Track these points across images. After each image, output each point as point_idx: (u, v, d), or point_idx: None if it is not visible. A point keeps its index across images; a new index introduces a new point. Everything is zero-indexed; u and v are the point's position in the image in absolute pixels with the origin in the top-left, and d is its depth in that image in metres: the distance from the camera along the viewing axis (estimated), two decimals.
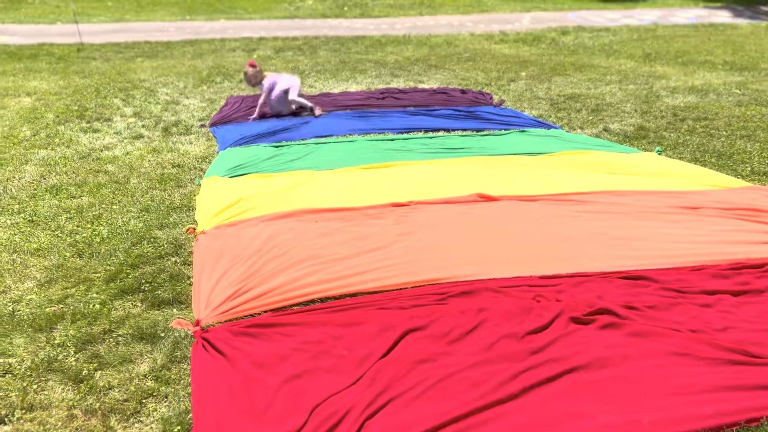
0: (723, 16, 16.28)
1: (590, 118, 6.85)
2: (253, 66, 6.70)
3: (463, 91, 8.10)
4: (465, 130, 6.42)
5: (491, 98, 7.83)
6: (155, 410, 2.43)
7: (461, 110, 7.14)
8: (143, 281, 3.37)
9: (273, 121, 6.71)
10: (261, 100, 6.77)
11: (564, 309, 2.96)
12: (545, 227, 3.96)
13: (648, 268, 3.44)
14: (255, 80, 6.73)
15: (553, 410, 2.35)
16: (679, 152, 5.70)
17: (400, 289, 3.28)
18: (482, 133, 6.32)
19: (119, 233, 3.97)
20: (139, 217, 4.23)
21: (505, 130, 6.39)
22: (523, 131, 6.34)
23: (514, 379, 2.49)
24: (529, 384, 2.49)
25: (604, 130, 6.50)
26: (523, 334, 2.79)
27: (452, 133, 6.34)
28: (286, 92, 6.77)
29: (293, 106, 6.93)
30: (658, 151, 5.66)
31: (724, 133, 6.29)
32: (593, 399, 2.42)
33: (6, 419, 2.39)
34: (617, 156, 5.50)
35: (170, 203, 4.47)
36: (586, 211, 4.20)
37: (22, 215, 4.25)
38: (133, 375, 2.63)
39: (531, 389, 2.47)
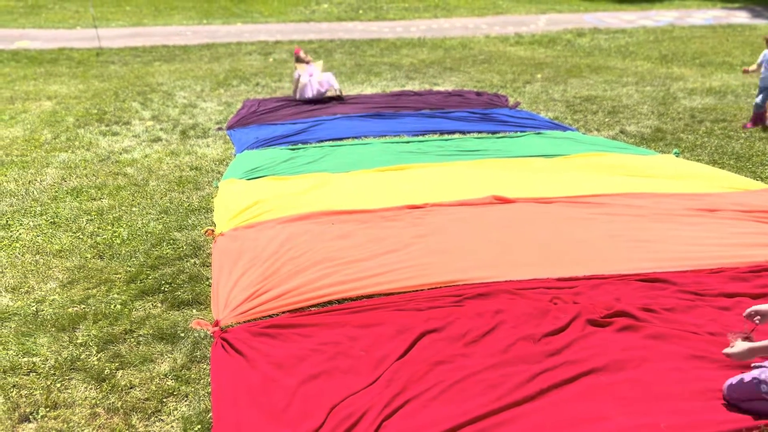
0: (741, 17, 16.11)
1: (606, 120, 6.82)
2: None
3: (478, 94, 8.10)
4: (480, 132, 6.43)
5: (507, 100, 7.82)
6: (176, 409, 2.47)
7: (476, 112, 7.14)
8: (163, 282, 3.42)
9: (289, 124, 6.76)
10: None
11: (581, 311, 2.96)
12: (562, 229, 3.96)
13: (666, 270, 3.43)
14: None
15: (569, 412, 2.35)
16: (696, 154, 5.65)
17: (417, 290, 3.29)
18: (498, 135, 6.32)
19: (139, 235, 4.03)
20: (158, 219, 4.29)
21: (521, 132, 6.39)
22: (538, 133, 6.33)
23: (531, 381, 2.50)
24: (546, 386, 2.49)
25: (621, 132, 6.47)
26: (540, 337, 2.79)
27: (467, 135, 6.34)
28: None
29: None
30: (675, 153, 5.62)
31: (743, 135, 6.23)
32: (610, 401, 2.42)
33: (31, 417, 2.44)
34: (634, 158, 5.48)
35: (189, 205, 4.53)
36: (603, 213, 4.19)
37: (44, 217, 4.33)
38: (154, 374, 2.67)
39: (548, 391, 2.47)
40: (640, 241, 3.77)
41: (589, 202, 4.36)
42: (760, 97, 6.38)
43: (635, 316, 2.93)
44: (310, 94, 7.56)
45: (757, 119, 6.44)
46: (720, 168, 5.23)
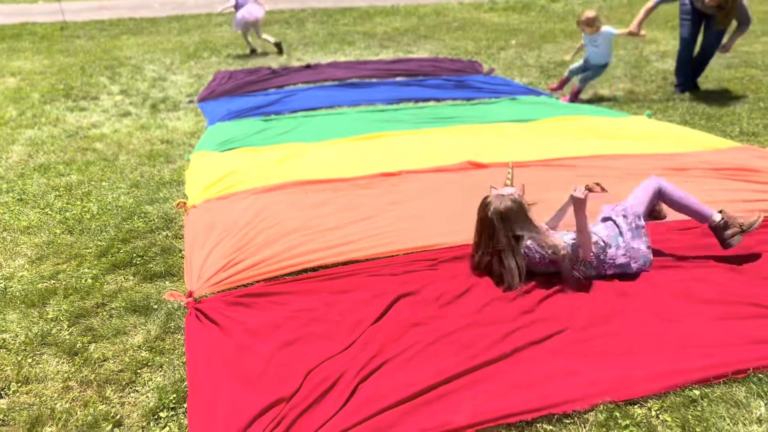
0: None
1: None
2: None
3: (453, 61, 8.05)
4: (455, 99, 6.40)
5: (481, 67, 7.78)
6: (150, 380, 2.45)
7: (451, 80, 7.11)
8: (135, 255, 3.38)
9: (261, 95, 6.66)
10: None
11: None
12: (536, 192, 3.96)
13: None
14: None
15: (542, 368, 2.38)
16: (668, 115, 5.69)
17: (392, 256, 3.29)
18: (473, 101, 6.29)
19: (109, 209, 3.96)
20: (129, 193, 4.22)
21: (496, 98, 6.37)
22: (513, 99, 6.32)
23: (504, 339, 2.52)
24: (521, 344, 2.51)
25: (594, 95, 6.48)
26: (513, 296, 2.82)
27: (442, 102, 6.31)
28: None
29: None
30: (648, 114, 5.66)
31: (714, 95, 6.28)
32: (582, 357, 2.45)
33: (2, 392, 2.41)
34: (607, 120, 5.50)
35: (160, 179, 4.46)
36: (577, 175, 4.20)
37: (11, 194, 4.23)
38: (127, 346, 2.65)
39: (522, 349, 2.49)
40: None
41: (563, 165, 4.38)
42: (579, 73, 6.31)
43: None
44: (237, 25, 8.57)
45: (575, 95, 6.32)
46: (691, 128, 5.28)
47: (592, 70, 6.23)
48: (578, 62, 6.34)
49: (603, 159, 4.47)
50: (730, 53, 6.94)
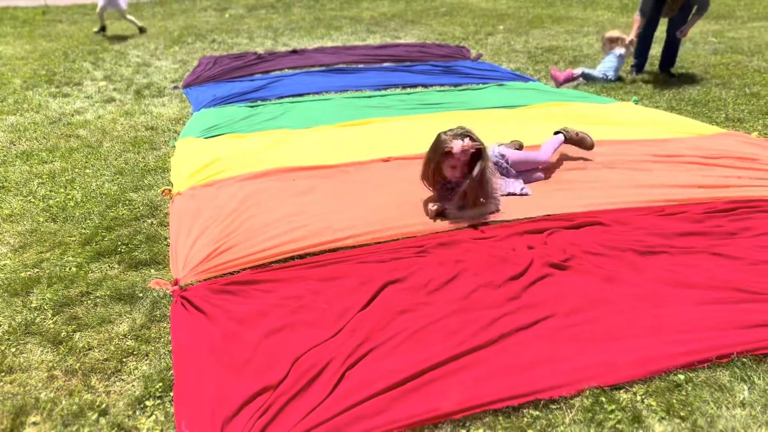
0: None
1: (568, 70, 6.80)
2: None
3: (440, 46, 8.00)
4: (443, 85, 6.37)
5: (469, 53, 7.75)
6: (136, 368, 2.44)
7: (439, 65, 7.07)
8: (119, 243, 3.34)
9: (247, 81, 6.60)
10: None
11: (540, 256, 2.99)
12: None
13: (622, 208, 3.49)
14: None
15: (530, 354, 2.39)
16: (655, 101, 5.71)
17: (379, 243, 3.28)
18: (460, 87, 6.27)
19: (93, 197, 3.92)
20: (113, 180, 4.17)
21: (483, 84, 6.35)
22: (501, 85, 6.31)
23: (491, 325, 2.53)
24: (507, 330, 2.52)
25: (582, 80, 6.47)
26: (500, 283, 2.82)
27: (430, 88, 6.28)
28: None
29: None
30: (634, 100, 5.67)
31: (699, 81, 6.30)
32: (568, 342, 2.46)
33: None
34: (594, 106, 5.51)
35: (144, 166, 4.41)
36: (563, 162, 4.21)
37: None
38: (112, 335, 2.62)
39: (509, 335, 2.50)
40: (598, 188, 3.81)
41: None
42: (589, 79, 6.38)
43: (591, 260, 2.98)
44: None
45: (567, 78, 6.40)
46: (678, 114, 5.29)
47: (596, 77, 6.34)
48: (593, 70, 6.40)
49: None
50: (716, 39, 6.97)
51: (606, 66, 6.44)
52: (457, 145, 3.34)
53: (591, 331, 2.52)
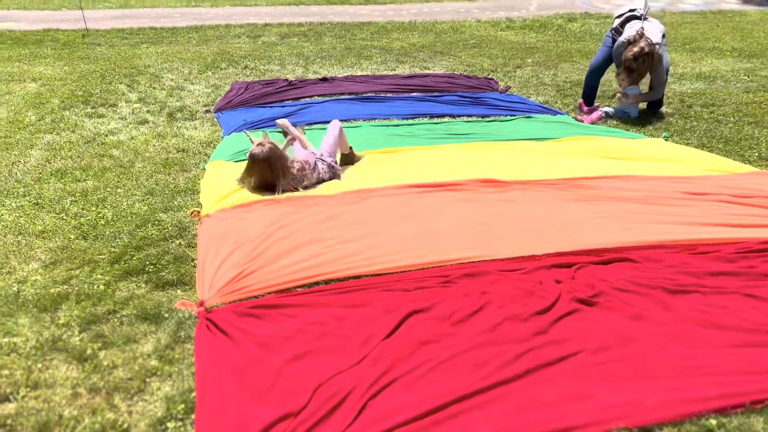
0: (731, 3, 16.09)
1: (597, 104, 6.79)
2: None
3: (468, 77, 8.05)
4: (470, 116, 6.39)
5: (497, 84, 7.78)
6: (159, 389, 2.44)
7: (467, 96, 7.10)
8: (147, 263, 3.38)
9: (278, 107, 6.69)
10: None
11: (567, 291, 2.95)
12: (550, 212, 3.94)
13: (652, 245, 3.43)
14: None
15: (556, 390, 2.35)
16: (686, 138, 5.65)
17: (404, 271, 3.27)
18: (488, 119, 6.28)
19: (124, 216, 3.98)
20: (143, 200, 4.24)
21: (511, 116, 6.36)
22: (529, 117, 6.30)
23: (517, 359, 2.49)
24: (533, 365, 2.48)
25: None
26: (526, 316, 2.78)
27: (457, 119, 6.30)
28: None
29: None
30: (664, 136, 5.62)
31: (732, 119, 6.23)
32: (596, 380, 2.41)
33: (11, 397, 2.40)
34: (623, 141, 5.47)
35: (175, 187, 4.47)
36: (592, 196, 4.17)
37: (27, 198, 4.26)
38: (137, 354, 2.64)
39: (534, 370, 2.46)
40: (628, 223, 3.76)
41: (579, 185, 4.34)
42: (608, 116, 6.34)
43: (621, 296, 2.93)
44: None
45: (590, 110, 6.42)
46: (709, 151, 5.23)
47: (617, 111, 6.33)
48: (614, 108, 6.38)
49: (619, 180, 4.43)
50: (749, 77, 6.87)
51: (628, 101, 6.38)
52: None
53: (619, 370, 2.47)
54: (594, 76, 6.63)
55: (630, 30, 6.10)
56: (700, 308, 2.86)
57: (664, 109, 6.57)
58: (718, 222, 3.75)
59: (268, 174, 4.20)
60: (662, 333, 2.69)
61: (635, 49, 5.87)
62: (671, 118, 6.28)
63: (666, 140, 5.54)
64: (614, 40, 6.36)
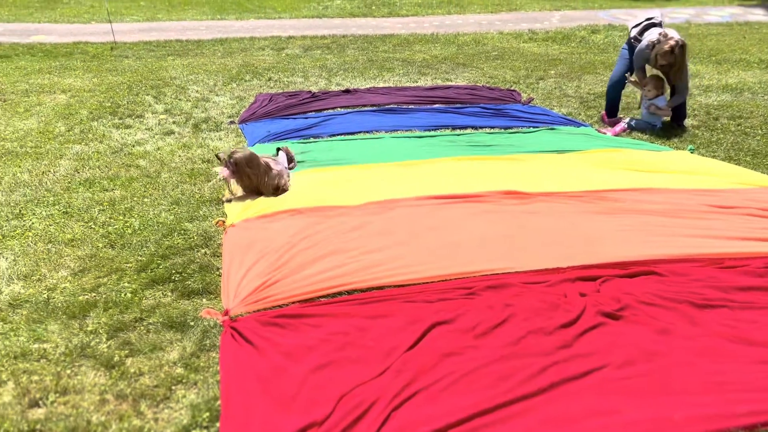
0: (758, 14, 15.90)
1: (621, 115, 6.74)
2: None
3: (491, 89, 8.05)
4: (493, 127, 6.38)
5: (519, 96, 7.77)
6: (184, 396, 2.47)
7: (489, 108, 7.10)
8: (173, 272, 3.43)
9: (301, 119, 6.76)
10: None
11: (593, 304, 2.93)
12: (574, 224, 3.92)
13: (678, 259, 3.39)
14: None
15: (581, 405, 2.32)
16: (712, 150, 5.58)
17: (427, 282, 3.27)
18: (511, 130, 6.27)
19: (150, 225, 4.04)
20: (169, 209, 4.30)
21: (534, 127, 6.34)
22: (552, 129, 6.28)
23: (542, 373, 2.47)
24: (558, 379, 2.46)
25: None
26: (551, 330, 2.77)
27: (480, 130, 6.30)
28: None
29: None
30: (690, 149, 5.56)
31: (760, 131, 6.15)
32: (622, 395, 2.39)
33: (41, 402, 2.45)
34: (648, 154, 5.42)
35: (200, 197, 4.53)
36: (616, 208, 4.14)
37: (57, 207, 4.35)
38: (163, 362, 2.67)
39: (559, 384, 2.44)
40: (654, 236, 3.72)
41: (603, 198, 4.32)
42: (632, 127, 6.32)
43: (647, 310, 2.90)
44: None
45: (612, 122, 6.44)
46: (736, 164, 5.16)
47: (639, 123, 6.28)
48: (636, 119, 6.35)
49: (644, 193, 4.40)
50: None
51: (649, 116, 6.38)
52: None
53: (645, 385, 2.44)
54: (615, 90, 6.61)
55: (651, 35, 6.09)
56: (728, 323, 2.82)
57: (689, 121, 6.51)
58: (746, 236, 3.70)
59: (248, 180, 4.43)
60: (689, 348, 2.66)
61: (670, 43, 5.85)
62: (697, 131, 6.22)
63: (692, 153, 5.48)
64: (632, 51, 6.33)
